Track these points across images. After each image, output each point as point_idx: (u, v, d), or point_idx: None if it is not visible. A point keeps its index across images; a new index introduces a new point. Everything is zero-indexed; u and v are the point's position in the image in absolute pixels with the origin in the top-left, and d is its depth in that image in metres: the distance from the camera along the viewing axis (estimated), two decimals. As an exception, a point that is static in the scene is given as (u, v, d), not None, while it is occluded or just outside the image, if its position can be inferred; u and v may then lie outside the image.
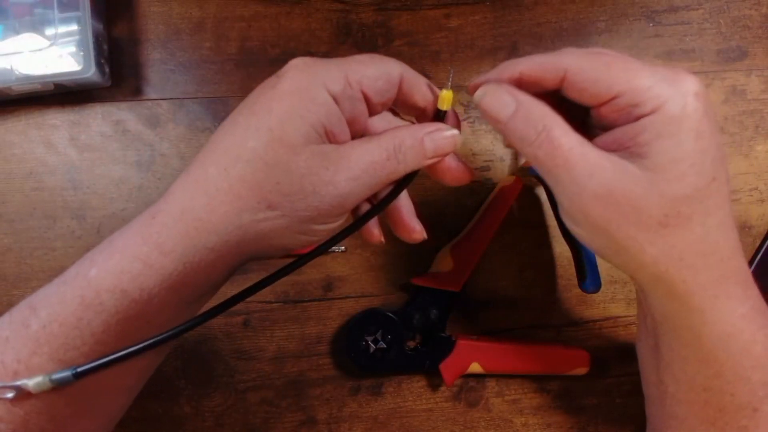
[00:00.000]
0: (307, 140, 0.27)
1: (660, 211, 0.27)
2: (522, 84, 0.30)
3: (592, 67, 0.28)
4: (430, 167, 0.32)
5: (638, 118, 0.27)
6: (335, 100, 0.28)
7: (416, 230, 0.33)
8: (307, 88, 0.28)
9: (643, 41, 0.47)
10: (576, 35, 0.47)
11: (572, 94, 0.29)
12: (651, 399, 0.36)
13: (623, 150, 0.28)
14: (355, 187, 0.28)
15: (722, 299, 0.29)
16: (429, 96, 0.31)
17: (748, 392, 0.30)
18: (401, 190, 0.32)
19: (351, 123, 0.30)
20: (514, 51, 0.46)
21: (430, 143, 0.30)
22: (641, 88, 0.27)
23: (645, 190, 0.27)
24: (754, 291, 0.30)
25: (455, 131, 0.31)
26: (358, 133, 0.31)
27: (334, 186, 0.28)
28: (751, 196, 0.47)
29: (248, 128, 0.28)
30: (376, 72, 0.29)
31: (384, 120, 0.33)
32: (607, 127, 0.29)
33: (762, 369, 0.30)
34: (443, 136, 0.31)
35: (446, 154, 0.31)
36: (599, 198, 0.27)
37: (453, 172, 0.32)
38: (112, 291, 0.27)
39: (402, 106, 0.32)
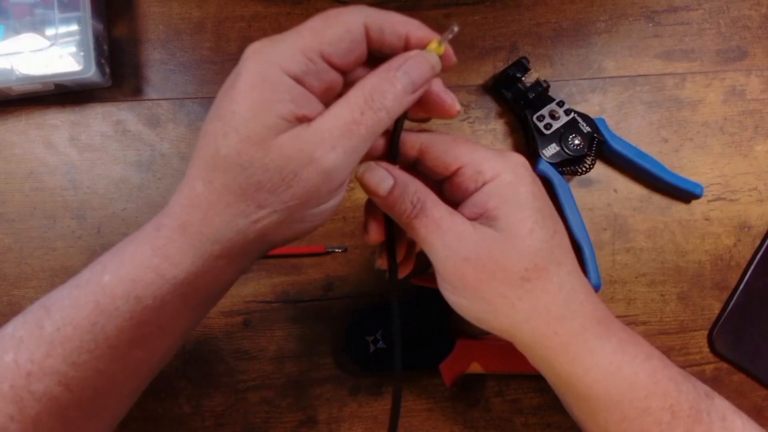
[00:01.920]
0: (276, 131, 0.27)
1: (520, 266, 0.29)
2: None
3: (442, 141, 0.31)
4: (421, 104, 0.30)
5: (483, 184, 0.30)
6: (298, 80, 0.27)
7: (449, 103, 0.31)
8: (265, 78, 0.26)
9: (642, 41, 0.47)
10: (576, 35, 0.47)
11: (427, 163, 0.31)
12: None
13: (480, 218, 0.30)
14: (337, 157, 0.27)
15: (592, 341, 0.30)
16: (402, 32, 0.29)
17: (655, 423, 0.30)
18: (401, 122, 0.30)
19: (327, 91, 0.28)
20: (514, 51, 0.46)
21: (404, 77, 0.28)
22: (481, 158, 0.30)
23: (503, 249, 0.29)
24: (615, 324, 0.32)
25: (429, 52, 0.29)
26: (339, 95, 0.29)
27: (314, 164, 0.27)
28: (751, 196, 0.47)
29: (217, 136, 0.27)
30: (334, 35, 0.27)
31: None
32: (458, 200, 0.31)
33: (655, 396, 0.30)
34: (416, 63, 0.28)
35: (427, 81, 0.29)
36: (469, 261, 0.29)
37: (437, 103, 0.30)
38: (126, 298, 0.27)
39: (381, 53, 0.29)
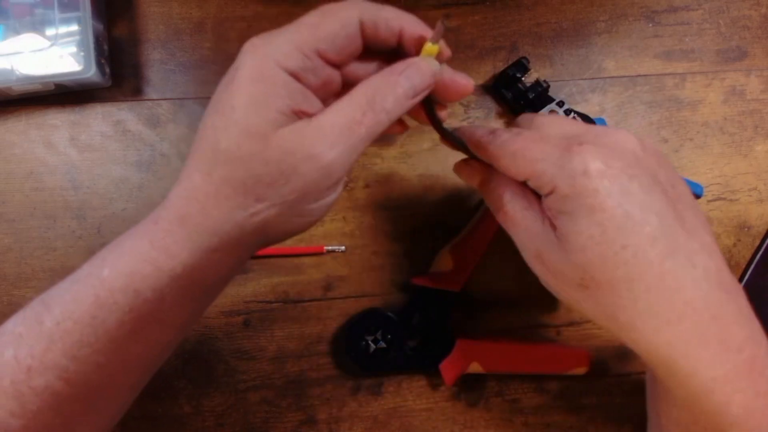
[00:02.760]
0: (275, 125, 0.27)
1: (575, 276, 0.29)
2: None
3: (506, 155, 0.31)
4: (439, 92, 0.31)
5: (546, 195, 0.30)
6: (295, 76, 0.28)
7: (463, 83, 0.32)
8: (263, 74, 0.27)
9: (642, 41, 0.47)
10: (576, 35, 0.47)
11: (503, 171, 0.32)
12: (651, 425, 0.36)
13: (550, 218, 0.31)
14: (336, 154, 0.27)
15: (681, 362, 0.29)
16: (396, 27, 0.29)
17: None
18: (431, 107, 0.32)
19: (323, 87, 0.29)
20: (513, 51, 0.46)
21: (406, 82, 0.29)
22: (536, 173, 0.30)
23: (560, 257, 0.30)
24: (743, 354, 0.29)
25: (430, 60, 0.30)
26: (337, 91, 0.30)
27: (314, 160, 0.27)
28: (750, 196, 0.47)
29: (217, 129, 0.28)
30: (329, 31, 0.28)
31: (368, 64, 0.31)
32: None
33: (739, 427, 0.29)
34: (418, 70, 0.29)
35: (428, 87, 0.30)
36: (536, 258, 0.31)
37: (452, 87, 0.31)
38: (125, 291, 0.28)
39: (375, 46, 0.30)
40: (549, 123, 0.32)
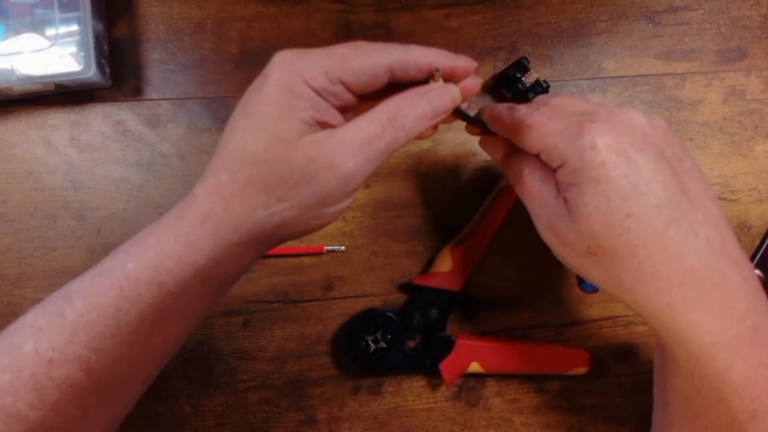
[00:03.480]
0: (300, 133, 0.29)
1: (583, 244, 0.31)
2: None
3: (523, 128, 0.33)
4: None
5: (557, 168, 0.32)
6: (319, 93, 0.30)
7: (471, 84, 0.34)
8: (290, 87, 0.29)
9: (642, 41, 0.47)
10: (576, 35, 0.47)
11: (518, 144, 0.34)
12: (657, 405, 0.36)
13: (562, 191, 0.32)
14: (355, 164, 0.29)
15: (683, 325, 0.30)
16: (425, 68, 0.32)
17: (729, 416, 0.31)
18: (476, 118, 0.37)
19: (341, 108, 0.31)
20: (513, 51, 0.46)
21: (427, 105, 0.31)
22: (549, 147, 0.32)
23: (569, 227, 0.31)
24: (745, 323, 0.30)
25: (452, 86, 0.32)
26: (355, 110, 0.32)
27: (334, 169, 0.29)
28: (750, 196, 0.47)
29: (246, 131, 0.30)
30: (358, 68, 0.30)
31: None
32: None
33: (740, 397, 0.30)
34: (439, 94, 0.32)
35: (447, 111, 0.32)
36: (548, 228, 0.33)
37: (463, 89, 0.34)
38: (150, 283, 0.29)
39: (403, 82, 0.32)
40: (564, 102, 0.34)
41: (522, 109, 0.34)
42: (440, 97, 0.32)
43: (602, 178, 0.30)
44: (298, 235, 0.32)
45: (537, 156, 0.33)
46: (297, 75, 0.29)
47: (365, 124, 0.30)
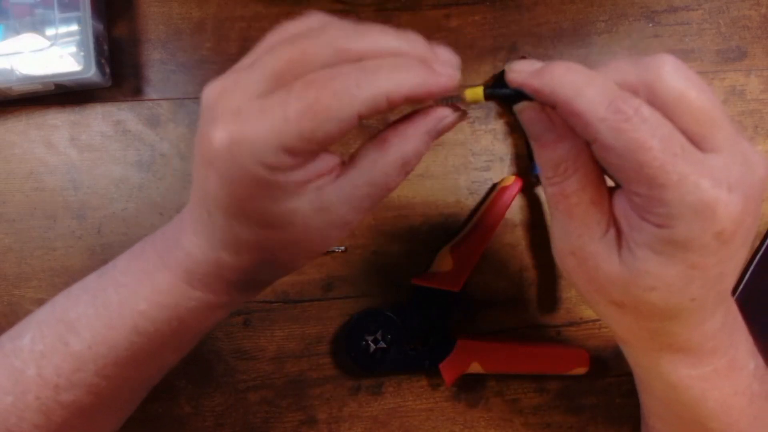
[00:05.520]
0: (265, 218, 0.25)
1: (617, 298, 0.26)
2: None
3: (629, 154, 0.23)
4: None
5: (642, 219, 0.24)
6: (281, 170, 0.24)
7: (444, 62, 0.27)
8: (242, 176, 0.24)
9: (642, 41, 0.47)
10: (576, 35, 0.47)
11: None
12: (642, 405, 0.37)
13: (623, 221, 0.26)
14: (351, 220, 0.27)
15: (666, 361, 0.29)
16: (399, 102, 0.25)
17: None
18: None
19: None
20: (513, 51, 0.46)
21: (426, 135, 0.27)
22: (664, 200, 0.23)
23: (607, 276, 0.26)
24: (724, 359, 0.29)
25: (446, 112, 0.27)
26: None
27: (325, 241, 0.27)
28: (751, 196, 0.47)
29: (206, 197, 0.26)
30: (324, 136, 0.23)
31: None
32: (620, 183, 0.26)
33: (717, 420, 0.30)
34: (442, 122, 0.27)
35: (445, 131, 0.28)
36: (572, 255, 0.27)
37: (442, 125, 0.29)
38: (169, 322, 0.29)
39: None
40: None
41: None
42: (445, 124, 0.28)
43: (698, 264, 0.24)
44: (299, 266, 0.30)
45: (597, 162, 0.25)
46: (246, 159, 0.23)
47: (354, 187, 0.26)
